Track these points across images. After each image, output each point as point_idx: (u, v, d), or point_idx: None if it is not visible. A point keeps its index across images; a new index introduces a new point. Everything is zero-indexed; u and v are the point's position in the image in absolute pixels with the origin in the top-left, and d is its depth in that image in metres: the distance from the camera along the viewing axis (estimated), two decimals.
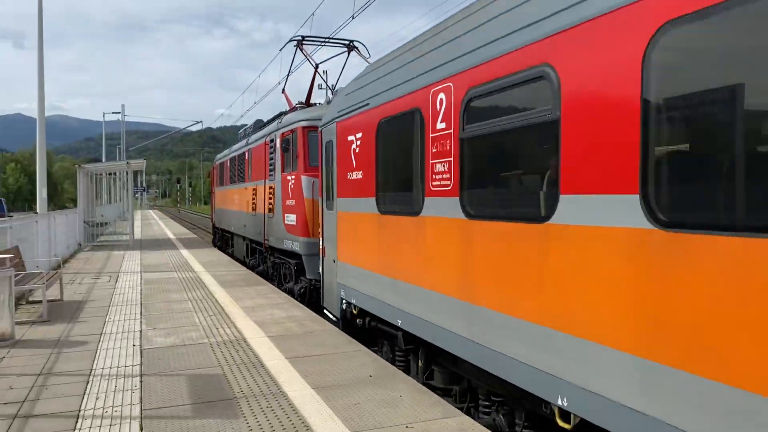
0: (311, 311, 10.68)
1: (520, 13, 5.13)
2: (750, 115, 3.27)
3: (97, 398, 6.24)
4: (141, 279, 15.09)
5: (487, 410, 6.29)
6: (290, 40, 16.25)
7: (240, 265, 18.01)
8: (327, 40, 16.15)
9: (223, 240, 25.79)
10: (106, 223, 31.88)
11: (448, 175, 6.14)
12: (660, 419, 3.72)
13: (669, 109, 3.71)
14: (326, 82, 16.18)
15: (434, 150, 6.40)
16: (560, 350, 4.56)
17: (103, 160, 69.25)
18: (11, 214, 32.40)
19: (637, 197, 3.86)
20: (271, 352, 7.93)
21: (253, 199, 17.90)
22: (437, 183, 6.34)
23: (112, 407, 5.97)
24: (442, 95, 6.28)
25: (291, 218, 13.52)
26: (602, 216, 4.15)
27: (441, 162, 6.28)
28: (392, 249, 7.52)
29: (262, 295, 12.50)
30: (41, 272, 11.83)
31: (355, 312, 9.13)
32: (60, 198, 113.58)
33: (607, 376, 4.11)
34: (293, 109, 15.44)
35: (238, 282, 14.36)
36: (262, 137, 17.11)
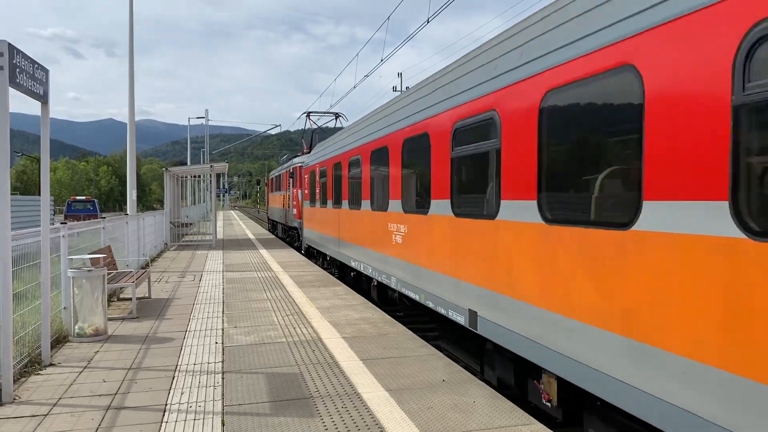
0: (384, 313, 10.77)
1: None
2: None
3: (182, 393, 6.51)
4: (223, 278, 15.63)
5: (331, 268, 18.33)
6: (303, 113, 31.90)
7: (316, 266, 18.39)
8: (324, 113, 31.44)
9: (272, 225, 41.98)
10: (190, 224, 33.11)
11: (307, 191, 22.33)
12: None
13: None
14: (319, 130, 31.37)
15: (312, 185, 20.97)
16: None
17: (188, 162, 71.88)
18: (104, 215, 34.09)
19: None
20: (346, 353, 8.06)
21: (283, 200, 32.59)
22: (310, 198, 21.26)
23: (196, 402, 6.23)
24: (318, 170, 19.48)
25: (294, 211, 27.45)
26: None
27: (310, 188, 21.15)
28: (317, 220, 19.42)
29: (338, 296, 12.72)
30: (131, 271, 12.43)
31: (306, 248, 23.24)
32: (148, 198, 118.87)
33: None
34: (303, 153, 29.80)
35: (314, 282, 14.66)
36: (286, 167, 31.61)
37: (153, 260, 19.99)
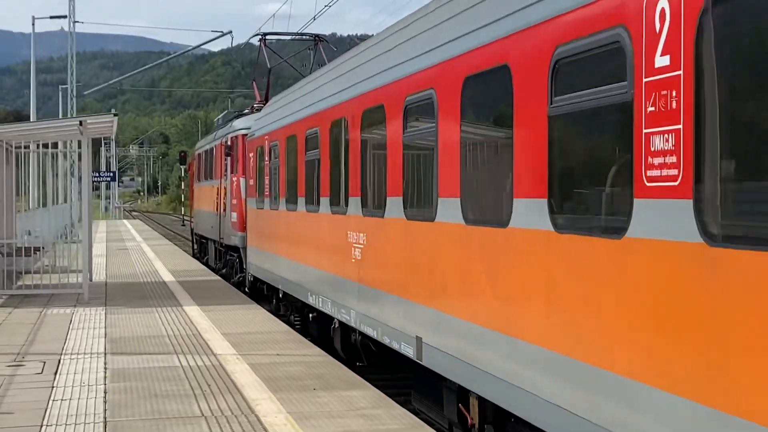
0: None
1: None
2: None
3: None
4: (106, 369, 15.60)
5: (297, 319, 24.24)
6: (255, 35, 36.67)
7: (308, 343, 18.70)
8: (295, 35, 37.40)
9: (200, 246, 46.90)
10: (37, 249, 33.23)
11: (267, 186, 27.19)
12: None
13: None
14: (301, 73, 35.68)
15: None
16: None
17: (32, 117, 72.71)
18: None
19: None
20: None
21: (215, 198, 36.39)
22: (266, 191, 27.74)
23: None
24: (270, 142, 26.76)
25: (234, 216, 31.71)
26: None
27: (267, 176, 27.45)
28: (268, 231, 26.95)
29: (353, 409, 12.63)
30: None
31: (251, 280, 31.58)
32: None
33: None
34: (253, 108, 33.98)
35: (303, 379, 14.60)
36: (221, 137, 35.95)
37: None
